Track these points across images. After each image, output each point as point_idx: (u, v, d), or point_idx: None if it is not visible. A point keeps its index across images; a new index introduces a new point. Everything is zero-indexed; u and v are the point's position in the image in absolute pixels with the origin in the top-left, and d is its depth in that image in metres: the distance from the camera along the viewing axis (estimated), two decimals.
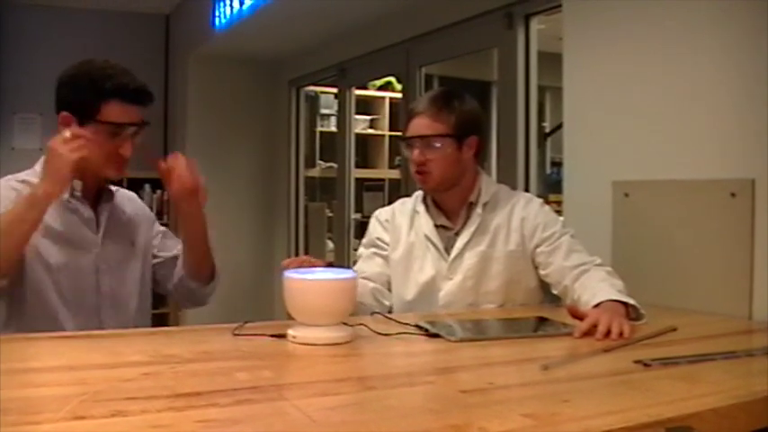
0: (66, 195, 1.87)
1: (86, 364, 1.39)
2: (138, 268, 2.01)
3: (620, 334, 1.62)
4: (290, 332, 1.57)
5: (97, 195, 1.97)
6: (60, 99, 1.87)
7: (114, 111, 1.83)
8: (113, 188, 2.05)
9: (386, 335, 1.65)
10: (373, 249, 2.23)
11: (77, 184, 1.89)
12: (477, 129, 2.14)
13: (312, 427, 1.02)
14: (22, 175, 1.92)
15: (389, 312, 2.08)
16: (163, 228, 2.19)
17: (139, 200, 2.17)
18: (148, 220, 2.12)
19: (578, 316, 1.76)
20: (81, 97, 1.83)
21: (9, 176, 1.92)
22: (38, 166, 1.91)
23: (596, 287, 1.88)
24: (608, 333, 1.62)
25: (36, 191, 1.70)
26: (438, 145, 2.07)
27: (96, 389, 1.17)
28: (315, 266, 1.75)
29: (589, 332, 1.64)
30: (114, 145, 1.84)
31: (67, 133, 1.70)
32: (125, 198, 2.08)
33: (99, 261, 1.91)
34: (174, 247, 2.10)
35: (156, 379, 1.26)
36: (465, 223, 2.14)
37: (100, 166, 1.86)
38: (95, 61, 1.89)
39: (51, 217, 1.83)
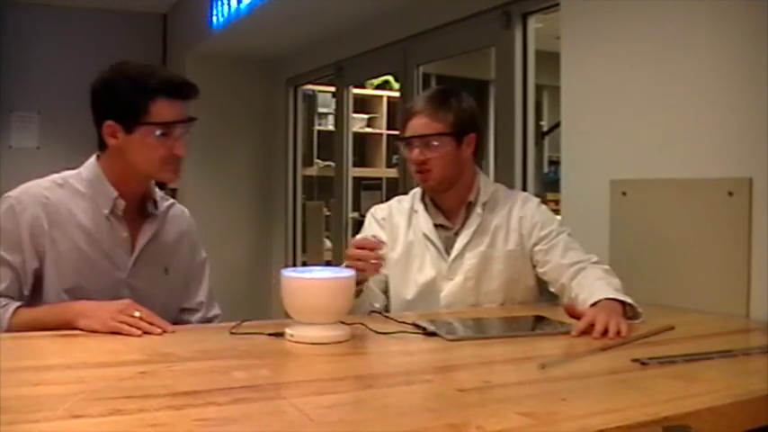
0: (105, 211, 1.78)
1: (84, 362, 1.39)
2: (165, 296, 1.89)
3: (618, 333, 1.62)
4: (288, 331, 1.57)
5: (141, 213, 1.86)
6: (100, 107, 1.76)
7: (163, 109, 1.72)
8: (168, 203, 1.94)
9: (383, 333, 1.65)
10: None
11: (120, 203, 1.79)
12: (474, 126, 2.14)
13: (309, 426, 1.02)
14: (68, 176, 1.82)
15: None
16: (203, 256, 2.05)
17: (189, 218, 2.02)
18: (191, 246, 2.00)
19: (576, 315, 1.76)
20: (125, 101, 1.71)
21: (54, 175, 1.82)
22: (84, 171, 1.82)
23: (593, 285, 1.88)
24: (605, 332, 1.62)
25: (76, 317, 1.62)
26: (437, 144, 2.07)
27: (94, 387, 1.17)
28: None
29: (586, 331, 1.64)
30: (167, 146, 1.74)
31: (137, 313, 1.61)
32: (175, 217, 1.96)
33: (123, 285, 1.80)
34: (200, 294, 2.00)
35: (153, 378, 1.26)
36: (464, 223, 2.14)
37: (155, 171, 1.77)
38: (130, 62, 1.78)
39: (83, 233, 1.76)
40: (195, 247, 2.03)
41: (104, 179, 1.80)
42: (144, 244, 1.84)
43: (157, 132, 1.73)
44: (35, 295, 1.75)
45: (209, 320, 2.01)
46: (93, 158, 1.84)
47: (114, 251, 1.80)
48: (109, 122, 1.74)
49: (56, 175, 1.82)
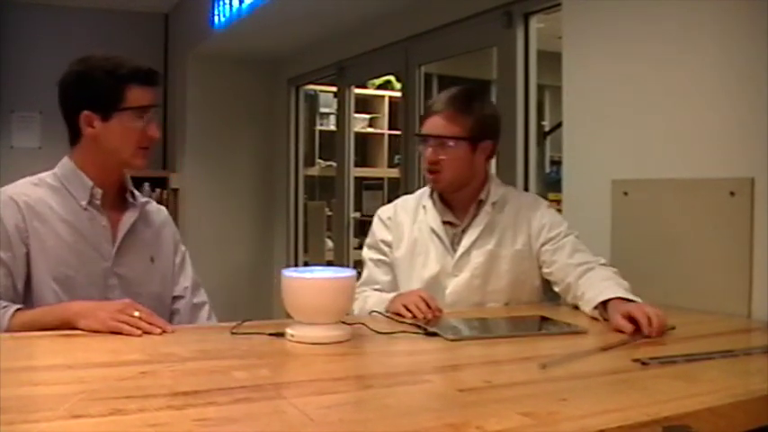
0: (83, 202, 1.84)
1: (84, 362, 1.39)
2: (156, 285, 1.94)
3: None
4: (289, 331, 1.57)
5: (119, 204, 1.91)
6: (75, 99, 1.83)
7: (137, 94, 1.82)
8: (144, 199, 2.00)
9: (384, 333, 1.65)
10: (378, 256, 2.23)
11: (97, 191, 1.84)
12: (493, 133, 2.14)
13: (310, 426, 1.02)
14: (44, 176, 1.88)
15: None
16: (183, 249, 2.09)
17: (167, 213, 2.09)
18: (173, 237, 2.06)
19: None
20: (101, 90, 1.80)
21: (29, 177, 1.88)
22: (58, 169, 1.88)
23: (602, 285, 1.88)
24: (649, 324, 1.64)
25: (75, 318, 1.63)
26: (452, 146, 2.06)
27: (94, 387, 1.18)
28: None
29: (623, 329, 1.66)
30: (141, 130, 1.83)
31: (137, 313, 1.62)
32: (152, 212, 2.01)
33: (110, 274, 1.84)
34: (184, 280, 2.03)
35: (153, 378, 1.26)
36: (472, 221, 2.14)
37: (129, 155, 1.84)
38: (96, 55, 1.86)
39: (65, 225, 1.80)
40: (177, 239, 2.08)
41: (79, 172, 1.86)
42: (125, 232, 1.89)
43: (133, 117, 1.82)
44: (26, 290, 1.77)
45: (195, 306, 2.03)
46: (65, 158, 1.90)
47: (97, 241, 1.85)
48: (86, 113, 1.81)
49: (30, 177, 1.88)
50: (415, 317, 1.83)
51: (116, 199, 1.92)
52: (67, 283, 1.78)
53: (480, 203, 2.15)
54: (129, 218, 1.90)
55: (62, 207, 1.83)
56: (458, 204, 2.18)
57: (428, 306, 1.85)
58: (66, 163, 1.89)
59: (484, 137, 2.10)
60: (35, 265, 1.77)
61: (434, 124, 2.08)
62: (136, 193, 1.97)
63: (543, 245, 2.10)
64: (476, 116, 2.08)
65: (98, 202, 1.85)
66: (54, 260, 1.78)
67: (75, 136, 1.87)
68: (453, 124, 2.06)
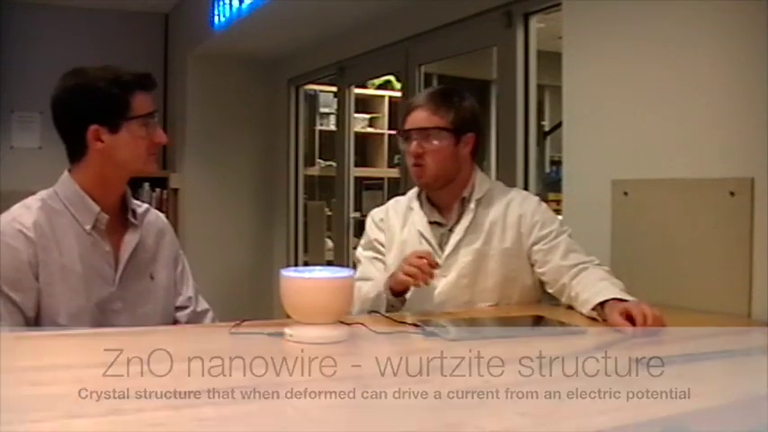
0: (87, 227, 1.77)
1: (83, 362, 1.39)
2: (160, 300, 1.90)
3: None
4: (287, 331, 1.57)
5: (121, 225, 1.85)
6: (79, 114, 1.75)
7: (141, 101, 1.78)
8: (143, 208, 1.94)
9: (383, 333, 1.65)
10: (372, 253, 2.24)
11: (103, 217, 1.78)
12: (474, 126, 2.15)
13: (308, 426, 1.02)
14: (45, 197, 1.80)
15: None
16: (183, 257, 2.05)
17: (166, 222, 2.02)
18: (172, 250, 2.00)
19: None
20: (107, 100, 1.74)
21: (30, 199, 1.80)
22: (60, 189, 1.80)
23: (598, 285, 1.88)
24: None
25: None
26: (435, 138, 2.09)
27: (92, 387, 1.17)
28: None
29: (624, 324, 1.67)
30: (149, 137, 1.80)
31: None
32: (150, 222, 1.95)
33: (114, 298, 1.79)
34: (187, 290, 2.01)
35: (152, 377, 1.25)
36: (458, 219, 2.14)
37: (141, 163, 1.81)
38: (90, 67, 1.80)
39: (69, 253, 1.74)
40: (176, 248, 2.03)
41: (83, 195, 1.79)
42: (128, 257, 1.83)
43: (141, 124, 1.78)
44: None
45: (199, 314, 2.00)
46: (65, 175, 1.83)
47: (100, 266, 1.79)
48: (93, 127, 1.75)
49: (32, 199, 1.80)
50: (420, 279, 1.89)
51: (118, 220, 1.85)
52: (80, 314, 1.73)
53: (464, 201, 2.15)
54: (130, 241, 1.84)
55: (65, 233, 1.76)
56: (443, 203, 2.18)
57: (427, 261, 1.90)
58: (68, 183, 1.81)
59: (466, 129, 2.12)
60: (43, 297, 1.72)
61: (416, 118, 2.12)
62: (137, 210, 1.90)
63: (535, 244, 2.09)
64: (456, 109, 2.11)
65: (103, 227, 1.79)
66: (62, 293, 1.72)
67: (77, 153, 1.79)
68: (435, 116, 2.09)
